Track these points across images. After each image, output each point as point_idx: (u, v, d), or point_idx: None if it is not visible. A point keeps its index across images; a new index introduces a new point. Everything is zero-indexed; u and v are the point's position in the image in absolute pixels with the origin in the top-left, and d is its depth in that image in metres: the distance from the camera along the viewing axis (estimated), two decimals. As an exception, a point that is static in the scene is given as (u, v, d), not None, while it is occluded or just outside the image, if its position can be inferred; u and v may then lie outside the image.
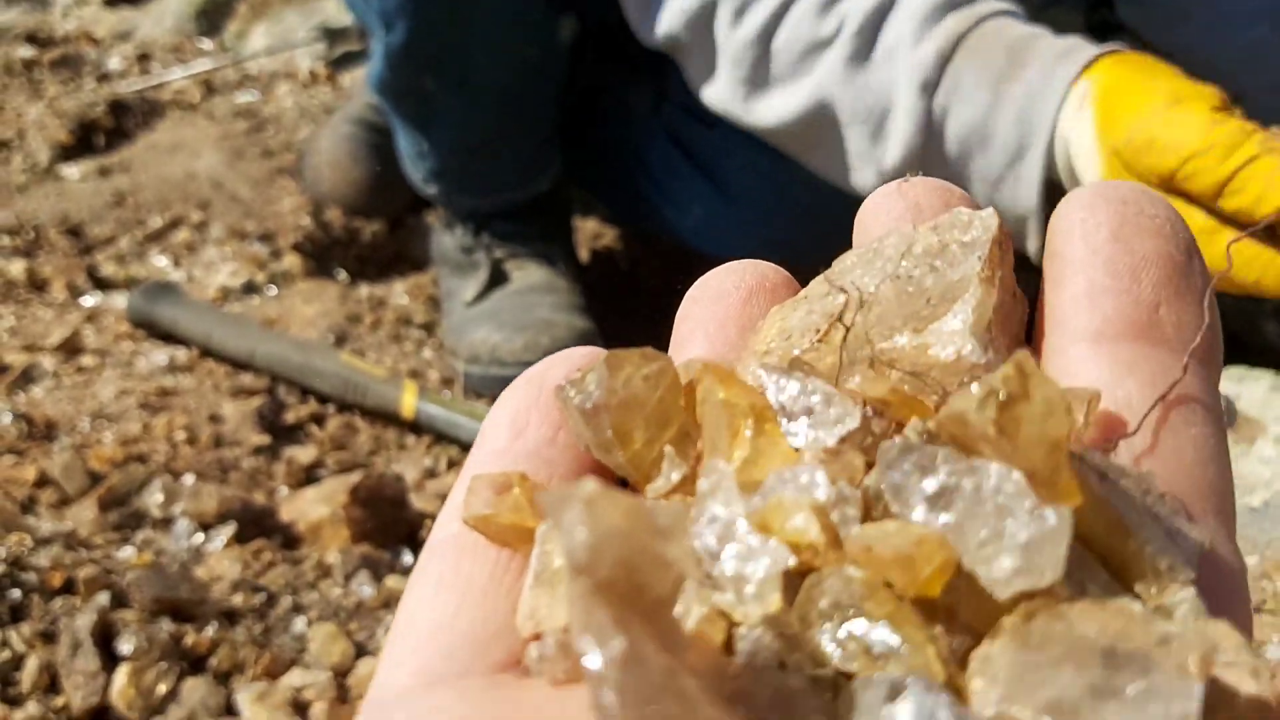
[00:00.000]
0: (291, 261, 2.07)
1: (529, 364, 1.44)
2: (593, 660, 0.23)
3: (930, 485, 0.27)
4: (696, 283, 0.42)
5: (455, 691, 0.29)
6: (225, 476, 1.44)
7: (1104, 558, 0.30)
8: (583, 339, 1.76)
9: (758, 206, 1.81)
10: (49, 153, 2.38)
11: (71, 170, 2.34)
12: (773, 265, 0.41)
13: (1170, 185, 1.05)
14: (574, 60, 1.87)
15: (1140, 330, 0.34)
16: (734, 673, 0.26)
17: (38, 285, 1.93)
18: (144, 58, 2.87)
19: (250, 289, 1.99)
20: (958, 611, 0.27)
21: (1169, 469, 0.33)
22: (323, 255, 2.12)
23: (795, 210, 1.78)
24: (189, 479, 1.39)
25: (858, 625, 0.27)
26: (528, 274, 1.88)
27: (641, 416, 0.33)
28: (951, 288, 0.34)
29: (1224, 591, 0.32)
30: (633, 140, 1.93)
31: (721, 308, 0.40)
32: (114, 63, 2.85)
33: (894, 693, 0.24)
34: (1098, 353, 0.34)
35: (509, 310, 1.81)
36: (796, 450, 0.32)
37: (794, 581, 0.28)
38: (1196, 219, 1.04)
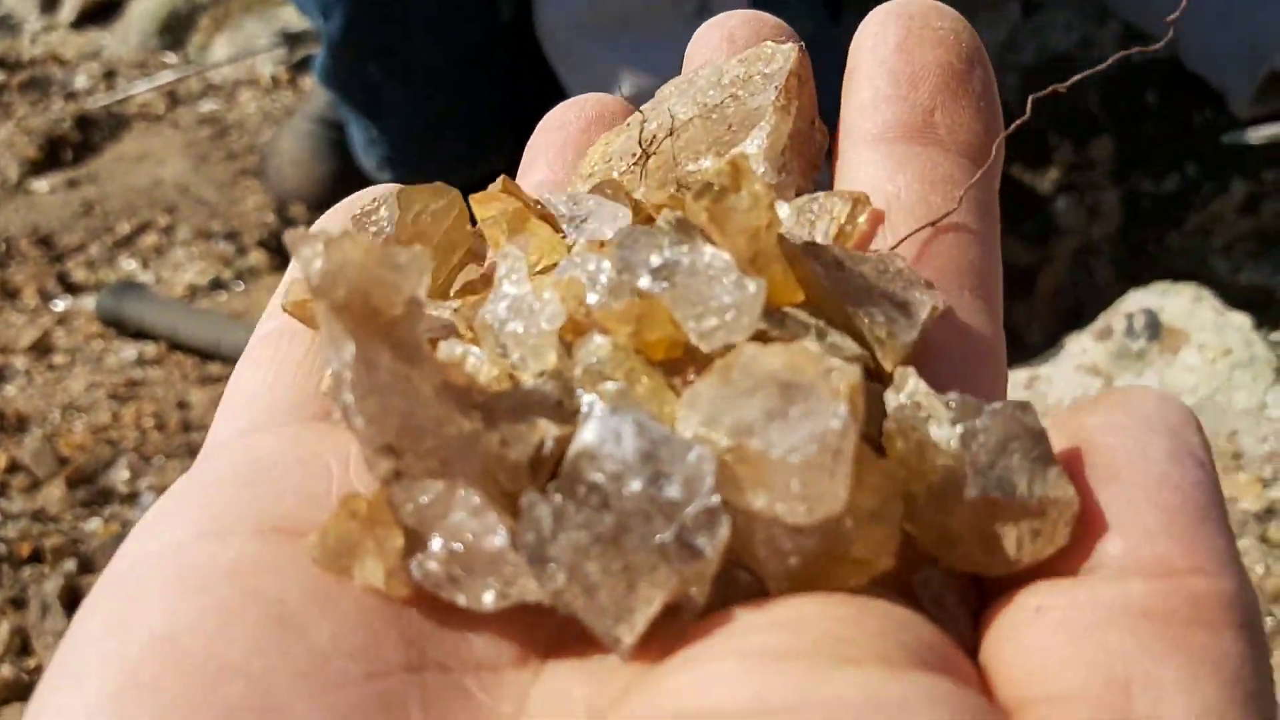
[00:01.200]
0: (257, 258, 2.11)
1: None
2: (333, 365, 0.27)
3: (655, 260, 0.31)
4: (546, 115, 0.45)
5: (274, 435, 0.33)
6: (194, 458, 1.48)
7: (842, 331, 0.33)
8: None
9: None
10: (18, 169, 2.42)
11: (40, 184, 2.38)
12: (616, 97, 0.44)
13: None
14: (518, 38, 1.91)
15: (916, 132, 0.37)
16: (480, 390, 0.30)
17: (10, 294, 1.97)
18: (110, 74, 2.91)
19: (217, 285, 2.03)
20: (689, 369, 0.31)
21: (930, 252, 0.36)
22: (287, 250, 2.16)
23: None
24: (158, 460, 1.43)
25: (607, 384, 0.31)
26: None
27: (429, 245, 0.37)
28: (750, 115, 0.38)
29: (967, 353, 0.35)
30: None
31: (561, 135, 0.43)
32: (80, 80, 2.89)
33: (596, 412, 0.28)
34: (876, 154, 0.37)
35: None
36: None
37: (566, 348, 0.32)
38: None
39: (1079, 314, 2.06)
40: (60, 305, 1.93)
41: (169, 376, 1.70)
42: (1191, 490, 0.27)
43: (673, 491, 0.26)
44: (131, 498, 1.32)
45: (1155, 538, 0.26)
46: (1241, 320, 1.16)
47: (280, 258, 2.13)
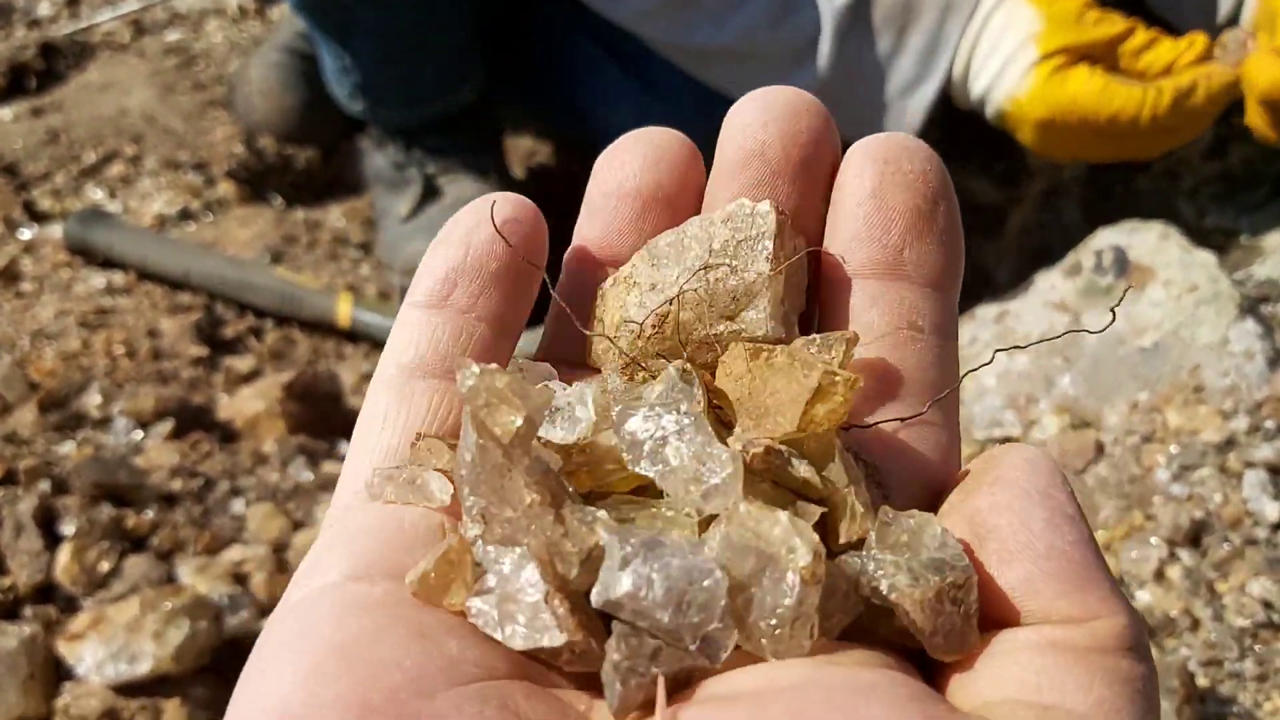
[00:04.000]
0: (226, 188, 2.09)
1: None
2: (460, 450, 0.39)
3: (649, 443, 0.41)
4: (603, 156, 0.52)
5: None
6: (165, 385, 1.48)
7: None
8: None
9: (685, 100, 1.84)
10: (-19, 96, 2.39)
11: (4, 112, 2.34)
12: (674, 135, 0.52)
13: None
14: None
15: (888, 270, 0.45)
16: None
17: (-26, 221, 1.95)
18: (74, 2, 2.86)
19: (186, 216, 2.01)
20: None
21: (899, 375, 0.45)
22: (257, 182, 2.14)
23: (722, 102, 1.81)
24: (131, 388, 1.42)
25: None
26: (461, 187, 1.91)
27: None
28: (749, 288, 0.45)
29: (921, 461, 0.45)
30: (559, 45, 1.95)
31: (619, 200, 0.50)
32: (44, 8, 2.84)
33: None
34: (854, 291, 0.45)
35: (444, 223, 1.84)
36: None
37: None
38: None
39: (1047, 253, 2.08)
40: (27, 234, 1.91)
41: (139, 305, 1.69)
42: (1073, 551, 0.37)
43: (694, 617, 0.36)
44: (104, 422, 1.32)
45: (1055, 605, 0.36)
46: (1206, 258, 1.18)
47: (250, 189, 2.12)
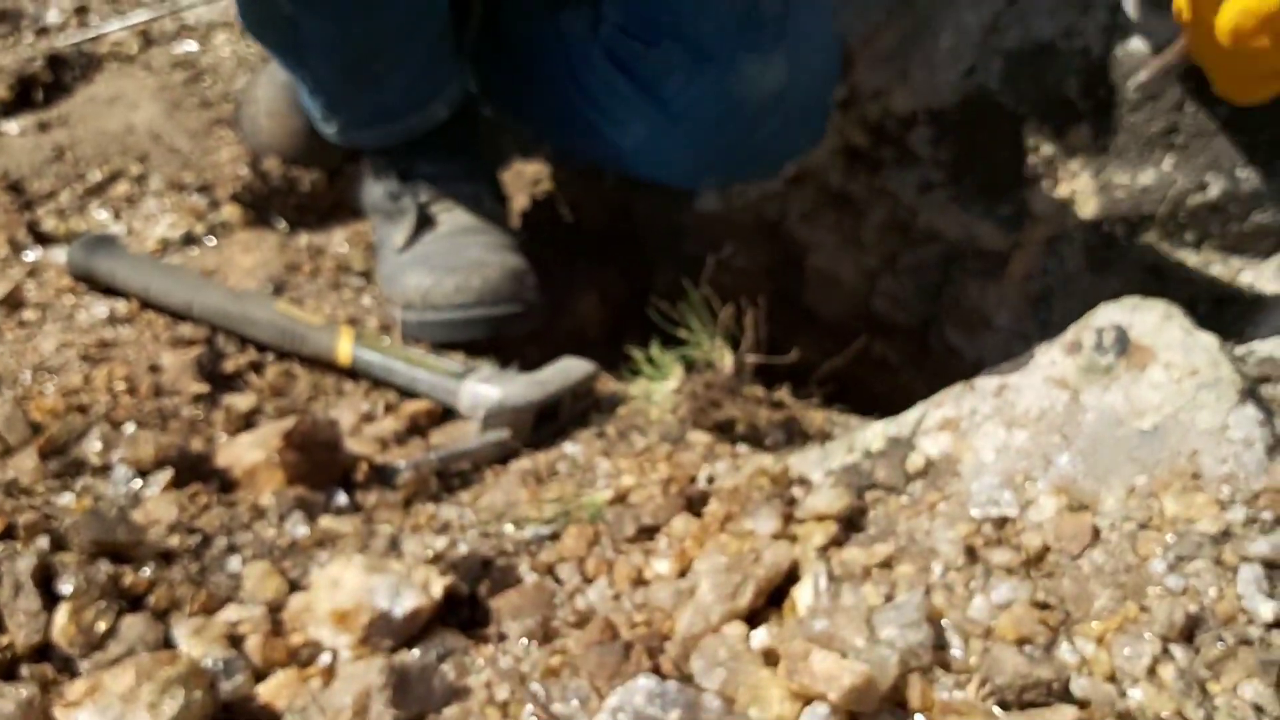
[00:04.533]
0: (230, 212, 2.09)
1: (462, 305, 1.49)
2: None
3: None
4: None
5: None
6: (165, 425, 1.48)
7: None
8: (514, 277, 1.79)
9: (701, 123, 1.82)
10: (-12, 109, 2.39)
11: (10, 126, 2.34)
12: None
13: None
14: None
15: None
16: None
17: (-22, 241, 1.95)
18: (82, 10, 2.85)
19: (189, 240, 2.01)
20: None
21: None
22: (261, 205, 2.14)
23: (739, 127, 1.80)
24: (129, 428, 1.42)
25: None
26: (455, 217, 1.91)
27: None
28: None
29: None
30: (569, 63, 1.92)
31: None
32: (52, 16, 2.83)
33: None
34: None
35: (439, 254, 1.84)
36: None
37: None
38: None
39: (1048, 300, 2.08)
40: (31, 256, 1.91)
41: (140, 337, 1.69)
42: None
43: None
44: (103, 470, 1.32)
45: None
46: (1209, 341, 1.18)
47: (254, 213, 2.12)
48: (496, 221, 1.94)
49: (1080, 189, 1.98)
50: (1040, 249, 2.04)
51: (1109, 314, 1.23)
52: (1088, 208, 1.98)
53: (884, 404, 1.79)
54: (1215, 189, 1.87)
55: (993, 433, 1.23)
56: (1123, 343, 1.19)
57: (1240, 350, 1.30)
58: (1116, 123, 1.94)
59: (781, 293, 2.15)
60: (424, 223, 1.91)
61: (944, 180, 2.05)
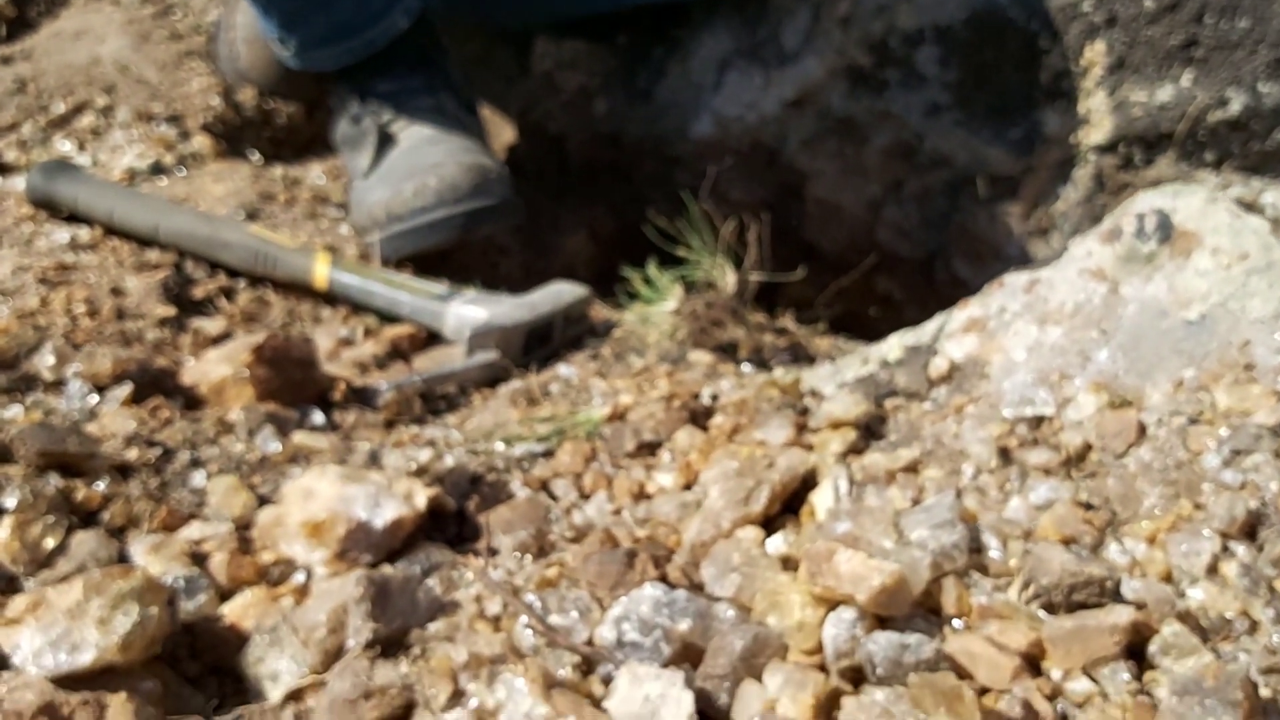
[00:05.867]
0: (201, 142, 1.98)
1: (423, 209, 1.37)
2: None
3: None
4: None
5: None
6: (128, 348, 1.38)
7: None
8: (475, 172, 1.68)
9: None
10: (-54, 43, 2.27)
11: (-30, 59, 2.23)
12: None
13: None
14: None
15: None
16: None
17: (-67, 171, 1.84)
18: (46, -53, 2.73)
19: (158, 170, 1.91)
20: None
21: None
22: (235, 137, 2.04)
23: None
24: (90, 349, 1.32)
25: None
26: (416, 131, 1.80)
27: None
28: None
29: None
30: None
31: None
32: (15, -47, 2.71)
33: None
34: None
35: (400, 167, 1.73)
36: None
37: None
38: None
39: (1060, 227, 1.99)
40: (-12, 185, 1.80)
41: (104, 262, 1.58)
42: None
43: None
44: (57, 385, 1.21)
45: None
46: (1259, 224, 1.08)
47: (227, 144, 2.01)
48: (461, 128, 1.83)
49: (1095, 108, 1.88)
50: (1052, 173, 1.94)
51: (1150, 200, 1.13)
52: (1102, 128, 1.88)
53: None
54: (1236, 105, 1.77)
55: (1024, 331, 1.13)
56: (1165, 229, 1.10)
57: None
58: (1133, 37, 1.84)
59: (781, 226, 2.05)
60: (385, 142, 1.81)
61: (951, 102, 1.95)
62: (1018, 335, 1.13)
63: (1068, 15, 1.86)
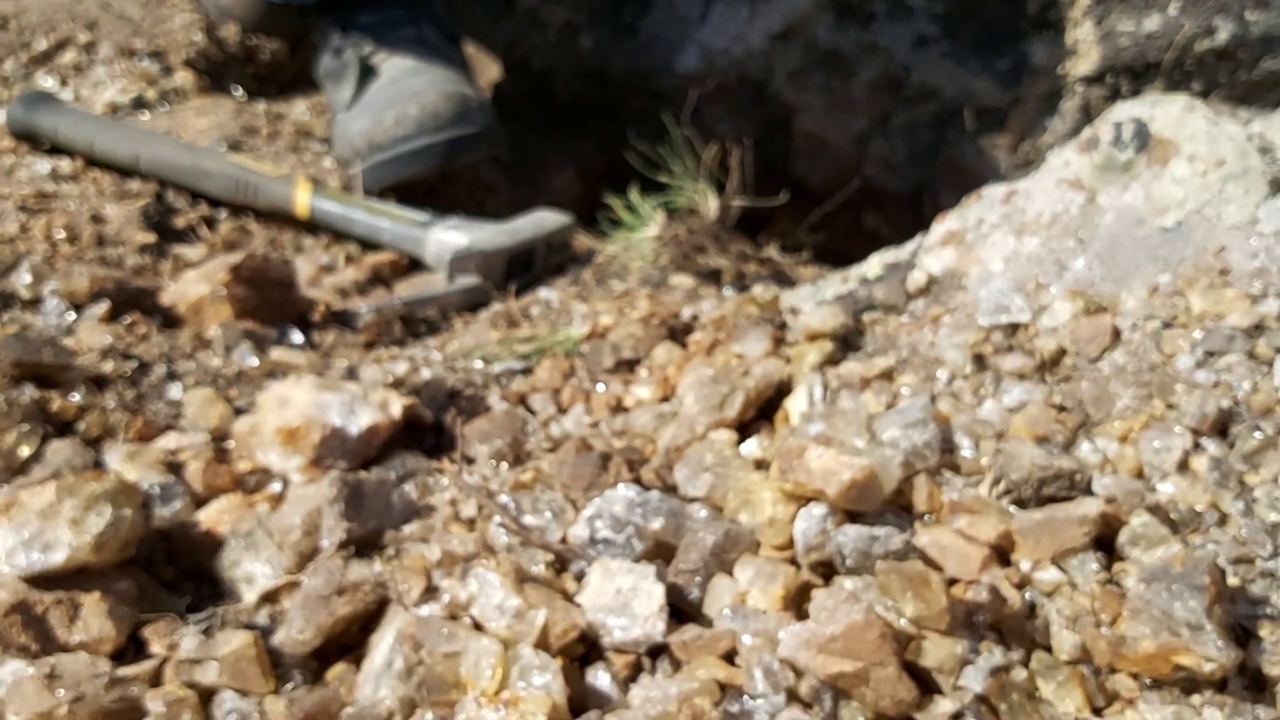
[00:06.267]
0: (184, 78, 1.97)
1: (404, 138, 1.36)
2: None
3: None
4: None
5: None
6: (108, 272, 1.37)
7: None
8: (456, 100, 1.67)
9: None
10: (-74, -19, 2.25)
11: (-51, -3, 2.21)
12: None
13: None
14: None
15: None
16: None
17: (-87, 106, 1.83)
18: (28, -112, 2.70)
19: (140, 104, 1.89)
20: None
21: None
22: (218, 73, 2.02)
23: None
24: (66, 268, 1.31)
25: None
26: (397, 62, 1.79)
27: None
28: None
29: None
30: None
31: None
32: (-4, -105, 2.68)
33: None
34: None
35: (381, 98, 1.72)
36: None
37: None
38: None
39: (1048, 159, 1.98)
40: (-32, 119, 1.79)
41: (84, 191, 1.58)
42: None
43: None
44: (34, 303, 1.21)
45: None
46: (1235, 130, 1.08)
47: (210, 80, 2.00)
48: (443, 59, 1.81)
49: (1082, 38, 1.87)
50: (1040, 105, 1.93)
51: (1128, 109, 1.13)
52: (1090, 59, 1.87)
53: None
54: (1224, 33, 1.76)
55: (1001, 242, 1.13)
56: (1143, 137, 1.09)
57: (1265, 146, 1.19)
58: (1121, -33, 1.83)
59: (768, 161, 2.04)
60: (366, 74, 1.79)
61: (939, 34, 1.93)
62: (995, 246, 1.13)
63: (1055, -56, 1.84)
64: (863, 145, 2.05)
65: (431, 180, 1.72)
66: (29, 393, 1.03)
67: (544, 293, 1.44)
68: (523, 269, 1.51)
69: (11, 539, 0.87)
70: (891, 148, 2.04)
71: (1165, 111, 1.10)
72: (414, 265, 1.54)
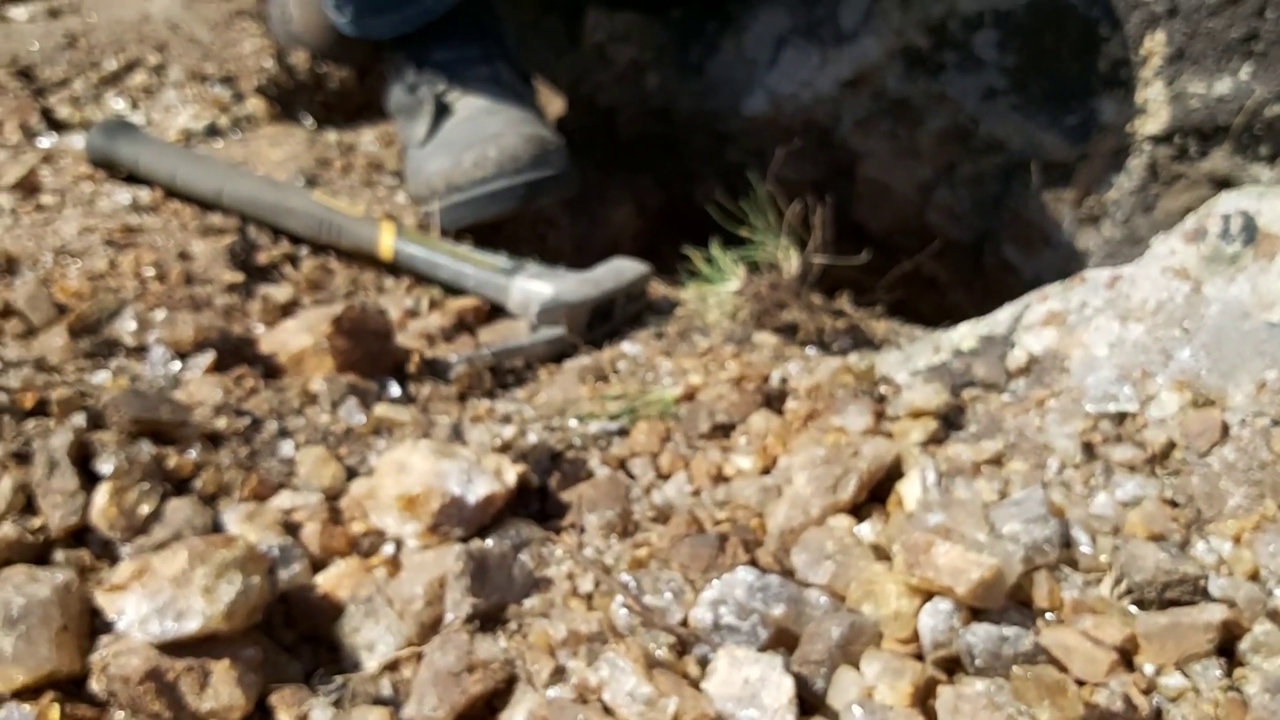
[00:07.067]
0: (255, 105, 1.98)
1: (483, 180, 1.39)
2: None
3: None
4: None
5: None
6: (199, 313, 1.38)
7: None
8: (535, 143, 1.68)
9: None
10: (-6, -6, 2.26)
11: (19, 11, 2.22)
12: None
13: None
14: None
15: None
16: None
17: (-11, 126, 1.84)
18: (90, -100, 2.72)
19: (213, 132, 1.91)
20: None
21: None
22: (287, 100, 2.04)
23: None
24: (160, 314, 1.33)
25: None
26: (472, 101, 1.80)
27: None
28: None
29: None
30: None
31: None
32: (58, -95, 2.70)
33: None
34: None
35: (458, 137, 1.73)
36: None
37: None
38: None
39: (1112, 215, 1.99)
40: (45, 143, 1.81)
41: (167, 225, 1.59)
42: None
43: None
44: (139, 351, 1.22)
45: None
46: (1346, 228, 1.09)
47: (280, 107, 2.01)
48: (517, 99, 1.83)
49: (1152, 98, 1.88)
50: (1106, 161, 1.94)
51: (1234, 201, 1.14)
52: (1159, 118, 1.88)
53: (931, 324, 1.71)
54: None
55: (1105, 326, 1.14)
56: (1250, 230, 1.10)
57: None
58: (1194, 28, 1.84)
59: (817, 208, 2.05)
60: (441, 112, 1.81)
61: (1008, 87, 1.95)
62: (1099, 331, 1.14)
63: (1129, 4, 1.86)
64: (927, 193, 2.07)
65: (504, 217, 1.73)
66: (146, 449, 1.04)
67: (628, 347, 1.45)
68: (602, 319, 1.52)
69: (145, 606, 0.88)
70: (956, 197, 2.05)
71: (1272, 205, 1.11)
72: (494, 311, 1.55)
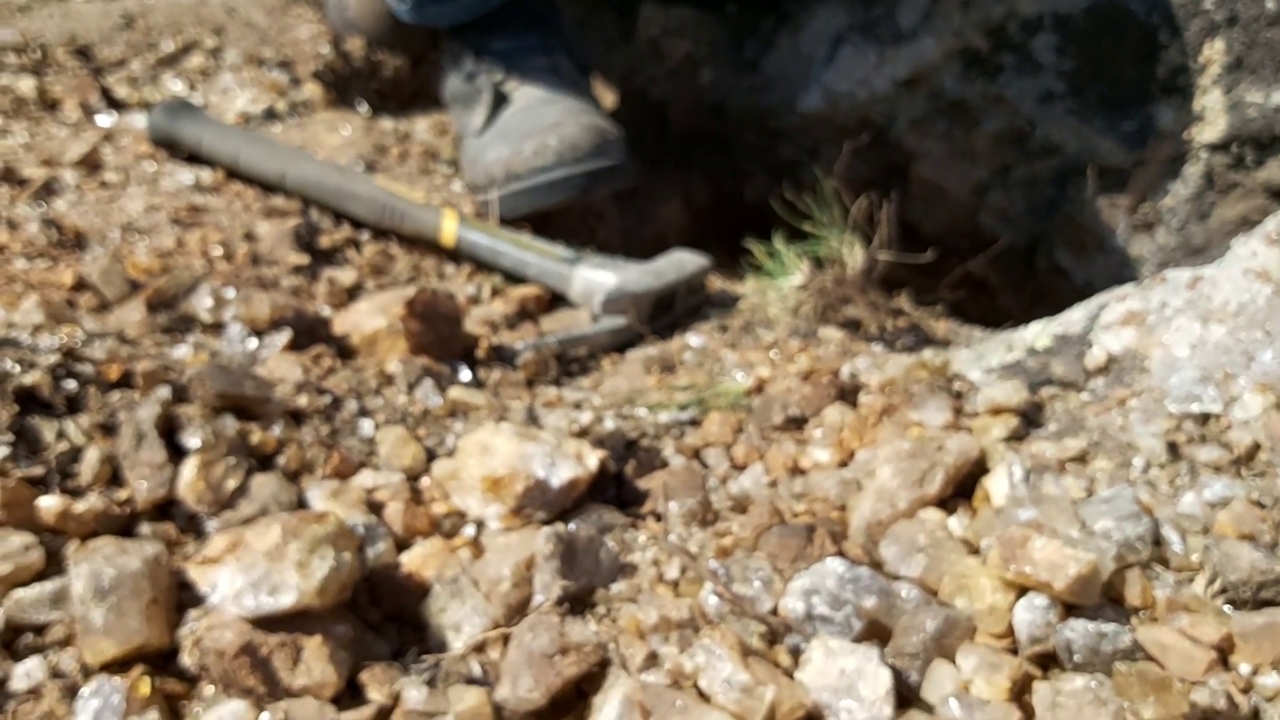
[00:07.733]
0: (311, 90, 1.99)
1: (544, 169, 1.39)
2: None
3: None
4: None
5: None
6: (268, 293, 1.39)
7: None
8: (594, 133, 1.68)
9: None
10: (50, -26, 2.27)
11: (75, -8, 2.23)
12: None
13: None
14: None
15: None
16: None
17: (49, 104, 1.84)
18: (142, -116, 2.73)
19: (272, 115, 1.91)
20: None
21: None
22: (343, 86, 2.04)
23: None
24: (230, 292, 1.33)
25: None
26: (530, 91, 1.81)
27: None
28: None
29: None
30: None
31: None
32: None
33: None
34: None
35: (516, 126, 1.73)
36: None
37: None
38: None
39: (1167, 222, 1.98)
40: (105, 121, 1.81)
41: (231, 206, 1.59)
42: None
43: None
44: (216, 327, 1.23)
45: None
46: None
47: (336, 93, 2.02)
48: (575, 89, 1.83)
49: (1210, 106, 1.87)
50: (1163, 168, 1.94)
51: (1321, 204, 1.13)
52: (1216, 127, 1.88)
53: (982, 327, 1.71)
54: (1358, 110, 1.77)
55: (1186, 327, 1.14)
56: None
57: None
58: (1253, 38, 1.83)
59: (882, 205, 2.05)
60: (499, 101, 1.81)
61: (1066, 91, 1.94)
62: (1180, 331, 1.13)
63: (1189, 11, 1.85)
64: (980, 195, 2.06)
65: (563, 205, 1.73)
66: (231, 424, 1.04)
67: (692, 339, 1.45)
68: (663, 311, 1.52)
69: (240, 580, 0.88)
70: (1010, 199, 2.04)
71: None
72: (555, 299, 1.55)
